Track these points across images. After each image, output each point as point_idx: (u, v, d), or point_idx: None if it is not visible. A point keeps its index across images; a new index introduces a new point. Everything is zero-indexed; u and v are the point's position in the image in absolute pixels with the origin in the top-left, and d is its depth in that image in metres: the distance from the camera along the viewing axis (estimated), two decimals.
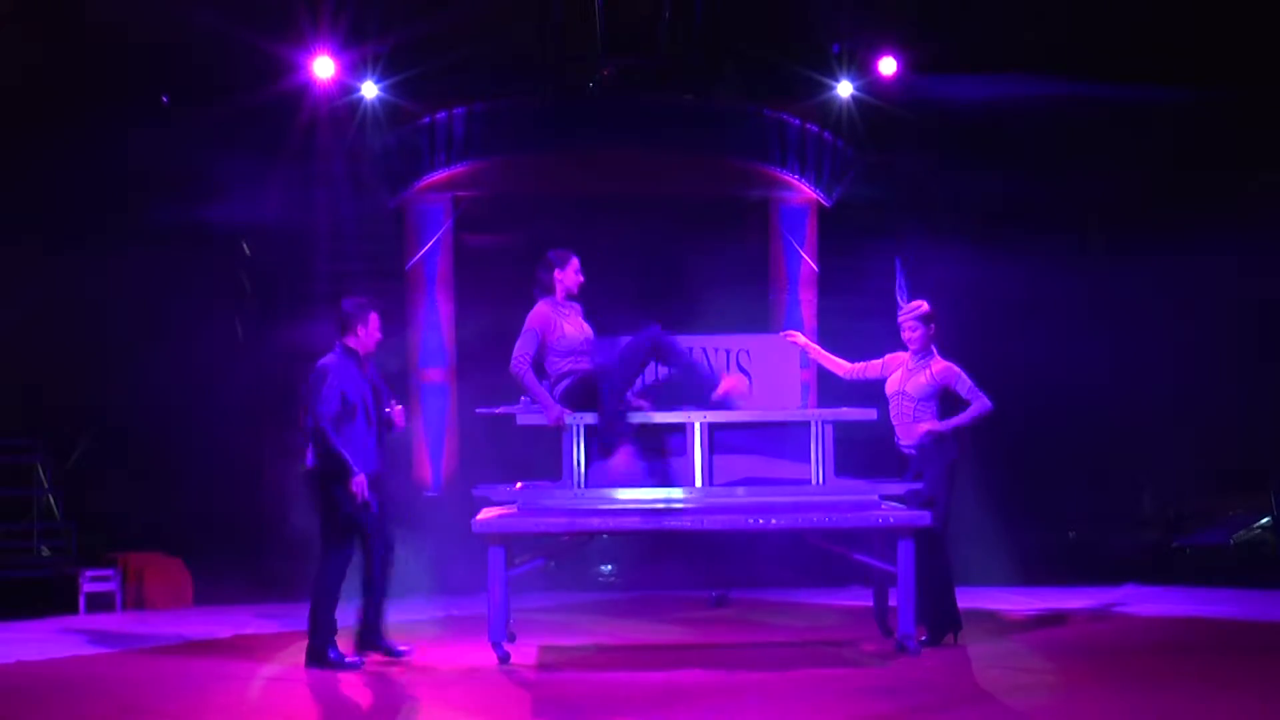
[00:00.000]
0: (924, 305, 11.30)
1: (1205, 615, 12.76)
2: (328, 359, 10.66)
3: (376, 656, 10.67)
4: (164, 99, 16.35)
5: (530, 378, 10.93)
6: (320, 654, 10.43)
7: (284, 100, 16.12)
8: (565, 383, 11.05)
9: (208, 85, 15.87)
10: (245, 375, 16.44)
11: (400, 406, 11.15)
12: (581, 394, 10.99)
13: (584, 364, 11.11)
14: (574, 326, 11.19)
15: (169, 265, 15.93)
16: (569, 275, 11.27)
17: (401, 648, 10.77)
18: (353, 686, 9.89)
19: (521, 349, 10.96)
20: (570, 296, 11.29)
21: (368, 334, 10.78)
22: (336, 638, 10.55)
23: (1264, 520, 17.09)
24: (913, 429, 11.22)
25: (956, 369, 11.22)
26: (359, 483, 10.41)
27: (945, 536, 11.15)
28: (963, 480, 11.57)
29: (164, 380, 15.59)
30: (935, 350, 11.30)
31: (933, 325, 11.30)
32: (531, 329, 11.03)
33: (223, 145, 15.53)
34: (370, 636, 10.73)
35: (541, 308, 11.17)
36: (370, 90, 16.40)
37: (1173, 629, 12.07)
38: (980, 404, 11.17)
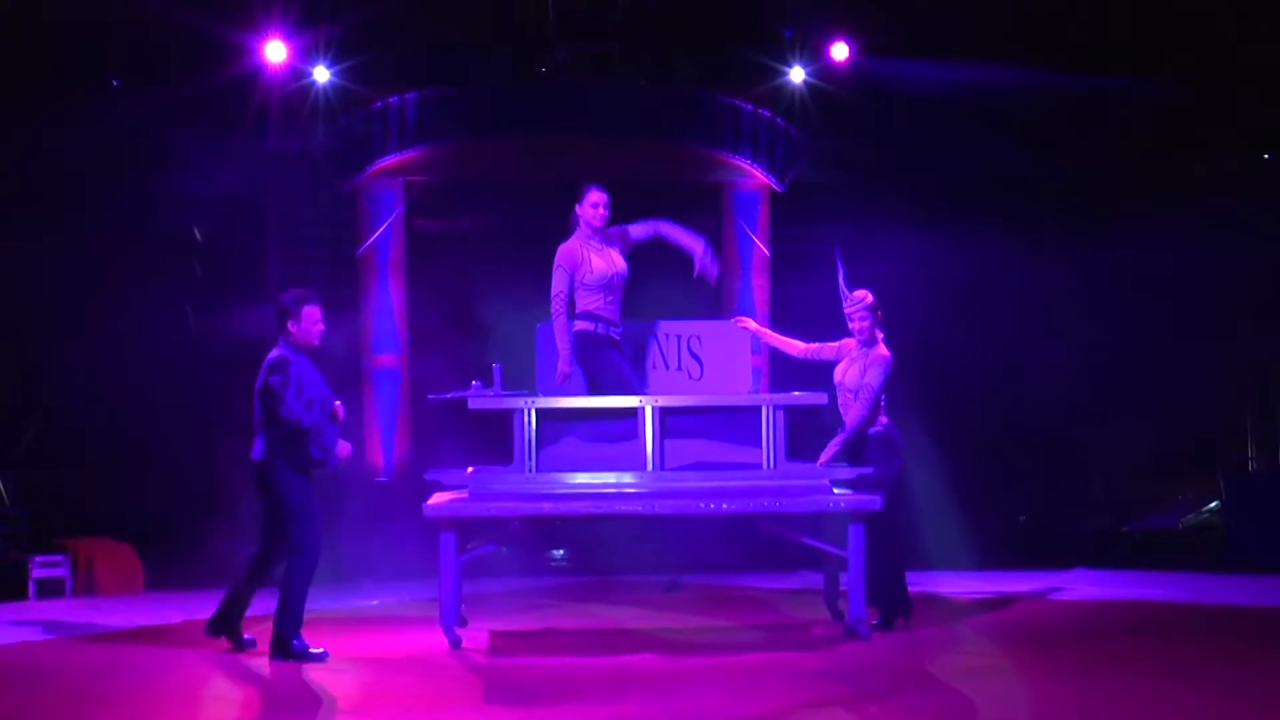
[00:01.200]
0: (870, 296, 11.30)
1: (1153, 599, 12.85)
2: (279, 351, 10.55)
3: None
4: (114, 83, 16.27)
5: (561, 321, 11.22)
6: (287, 644, 10.36)
7: (236, 84, 16.04)
8: (581, 326, 11.26)
9: (158, 69, 15.79)
10: (196, 361, 16.39)
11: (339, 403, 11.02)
12: (588, 348, 11.20)
13: (612, 302, 11.31)
14: (604, 261, 11.39)
15: (119, 250, 15.87)
16: (585, 209, 11.47)
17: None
18: (303, 672, 9.87)
19: (554, 288, 11.28)
20: (595, 230, 11.37)
21: (300, 329, 10.67)
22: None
23: (1212, 505, 17.22)
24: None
25: (883, 364, 11.18)
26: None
27: (896, 521, 11.19)
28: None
29: (114, 365, 15.53)
30: (880, 339, 11.30)
31: (879, 314, 11.32)
32: (559, 265, 11.32)
33: (174, 130, 15.47)
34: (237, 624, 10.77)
35: (568, 243, 11.43)
36: (322, 74, 16.35)
37: (1121, 612, 12.15)
38: (853, 414, 11.18)
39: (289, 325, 10.52)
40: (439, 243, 17.10)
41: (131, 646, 11.09)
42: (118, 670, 10.04)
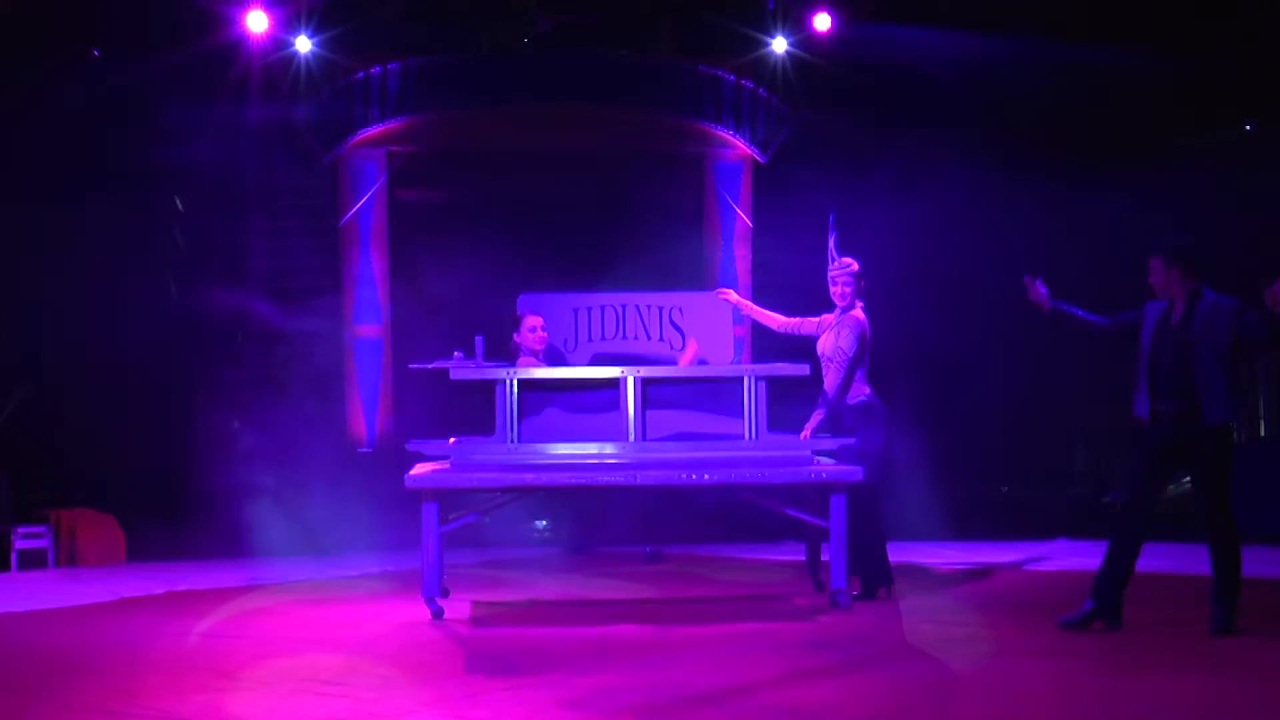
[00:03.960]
0: (855, 264, 11.30)
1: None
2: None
3: None
4: (95, 53, 16.21)
5: None
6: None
7: (217, 54, 16.01)
8: None
9: (140, 38, 15.75)
10: (179, 330, 16.38)
11: None
12: None
13: None
14: None
15: (103, 219, 15.85)
16: (524, 335, 11.36)
17: None
18: (285, 642, 9.88)
19: None
20: (536, 354, 11.31)
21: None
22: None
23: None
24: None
25: (855, 326, 11.14)
26: None
27: (878, 492, 11.18)
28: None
29: (97, 335, 15.51)
30: (859, 306, 11.27)
31: (862, 284, 11.31)
32: None
33: (156, 100, 15.44)
34: None
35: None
36: (304, 44, 16.31)
37: None
38: (829, 381, 11.19)
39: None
40: (421, 213, 17.11)
41: (115, 617, 11.09)
42: (101, 641, 10.03)
